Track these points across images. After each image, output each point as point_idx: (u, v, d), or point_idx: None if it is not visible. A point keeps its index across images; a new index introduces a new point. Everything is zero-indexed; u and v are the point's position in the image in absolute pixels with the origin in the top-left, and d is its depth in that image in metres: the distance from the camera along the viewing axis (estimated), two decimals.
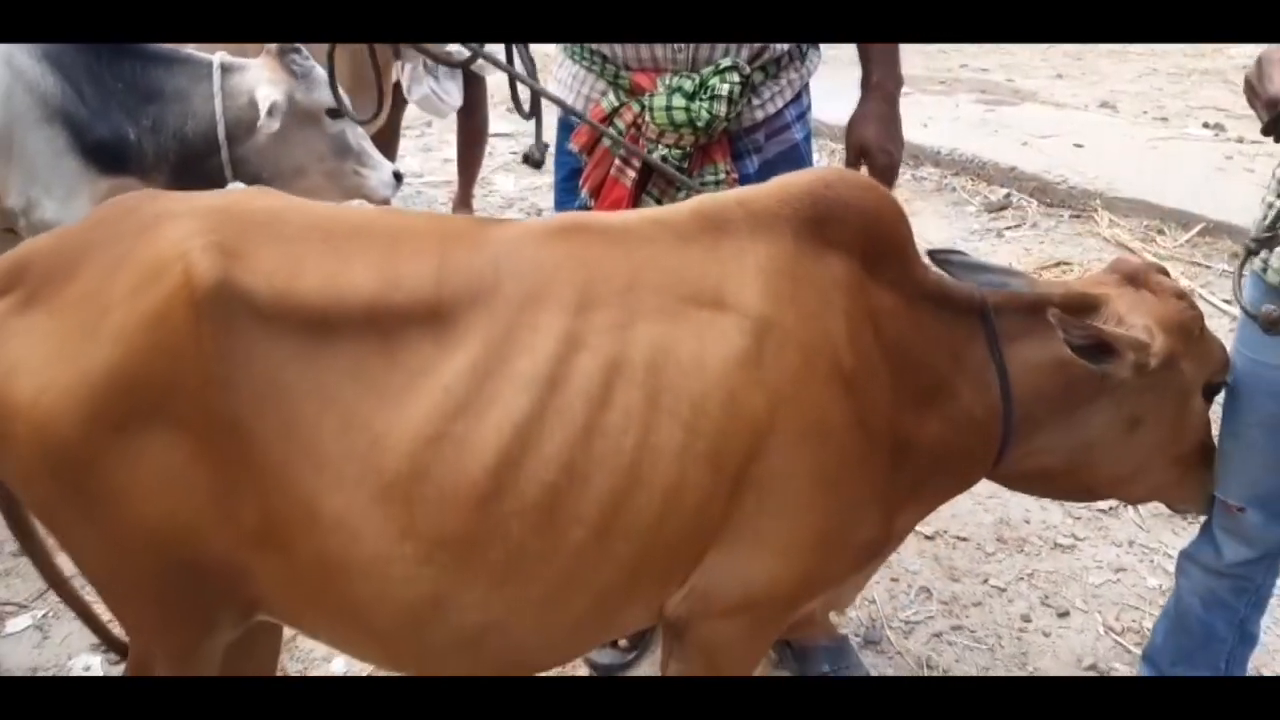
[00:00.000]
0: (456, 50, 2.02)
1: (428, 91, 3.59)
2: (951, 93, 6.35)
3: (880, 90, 2.06)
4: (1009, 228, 4.75)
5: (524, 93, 2.04)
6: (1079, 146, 5.37)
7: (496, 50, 1.99)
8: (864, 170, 2.06)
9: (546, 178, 5.47)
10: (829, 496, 1.46)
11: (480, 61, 1.96)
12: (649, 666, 2.40)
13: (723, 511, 1.40)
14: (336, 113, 2.79)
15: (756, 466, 1.39)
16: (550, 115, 2.18)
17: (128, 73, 2.84)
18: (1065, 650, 2.41)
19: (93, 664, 2.45)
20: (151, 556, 1.34)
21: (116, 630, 1.79)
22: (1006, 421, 1.60)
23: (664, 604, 1.50)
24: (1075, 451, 1.66)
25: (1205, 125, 5.75)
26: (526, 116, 2.08)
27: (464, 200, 4.47)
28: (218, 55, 2.86)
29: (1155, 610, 2.55)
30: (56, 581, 1.72)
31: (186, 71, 2.84)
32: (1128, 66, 7.17)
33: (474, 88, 4.04)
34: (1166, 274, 1.70)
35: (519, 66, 1.97)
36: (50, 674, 2.42)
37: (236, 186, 2.53)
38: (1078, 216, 4.78)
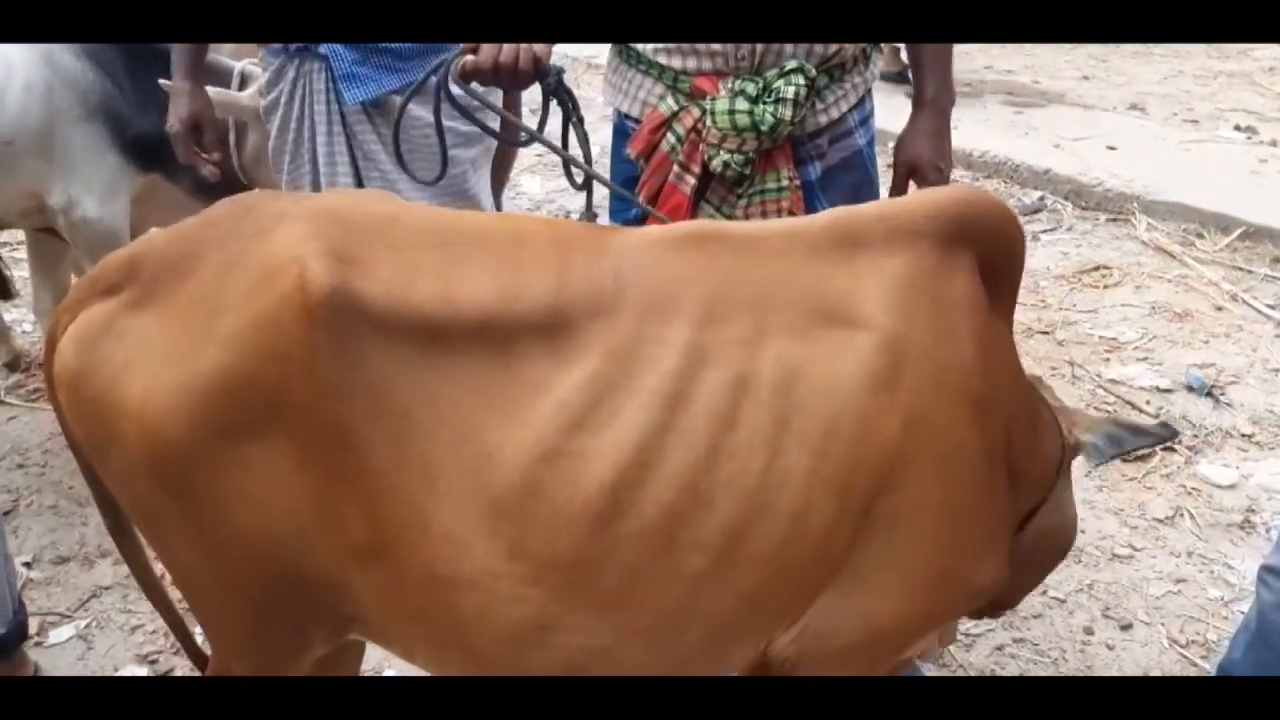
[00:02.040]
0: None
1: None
2: (978, 94, 6.28)
3: (934, 106, 2.03)
4: (1045, 231, 4.70)
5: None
6: (1112, 149, 5.31)
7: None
8: (912, 187, 2.02)
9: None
10: (958, 530, 1.39)
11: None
12: None
13: (848, 543, 1.33)
14: None
15: (887, 496, 1.32)
16: (603, 122, 2.12)
17: (163, 72, 2.82)
18: (1130, 664, 2.36)
19: (138, 674, 2.41)
20: (250, 567, 1.30)
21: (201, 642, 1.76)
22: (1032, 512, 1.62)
23: (770, 645, 1.42)
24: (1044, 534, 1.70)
25: (1237, 128, 5.69)
26: (578, 188, 2.00)
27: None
28: (241, 64, 2.83)
29: (1218, 622, 2.50)
30: (149, 584, 1.67)
31: (212, 76, 2.81)
32: (1153, 68, 7.09)
33: (507, 95, 4.01)
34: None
35: (574, 146, 1.90)
36: None
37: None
38: (1115, 220, 4.72)
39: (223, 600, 1.39)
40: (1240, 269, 4.19)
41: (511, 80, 1.79)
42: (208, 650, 1.64)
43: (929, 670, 2.36)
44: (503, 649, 1.32)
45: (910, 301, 1.33)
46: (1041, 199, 4.95)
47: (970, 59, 7.36)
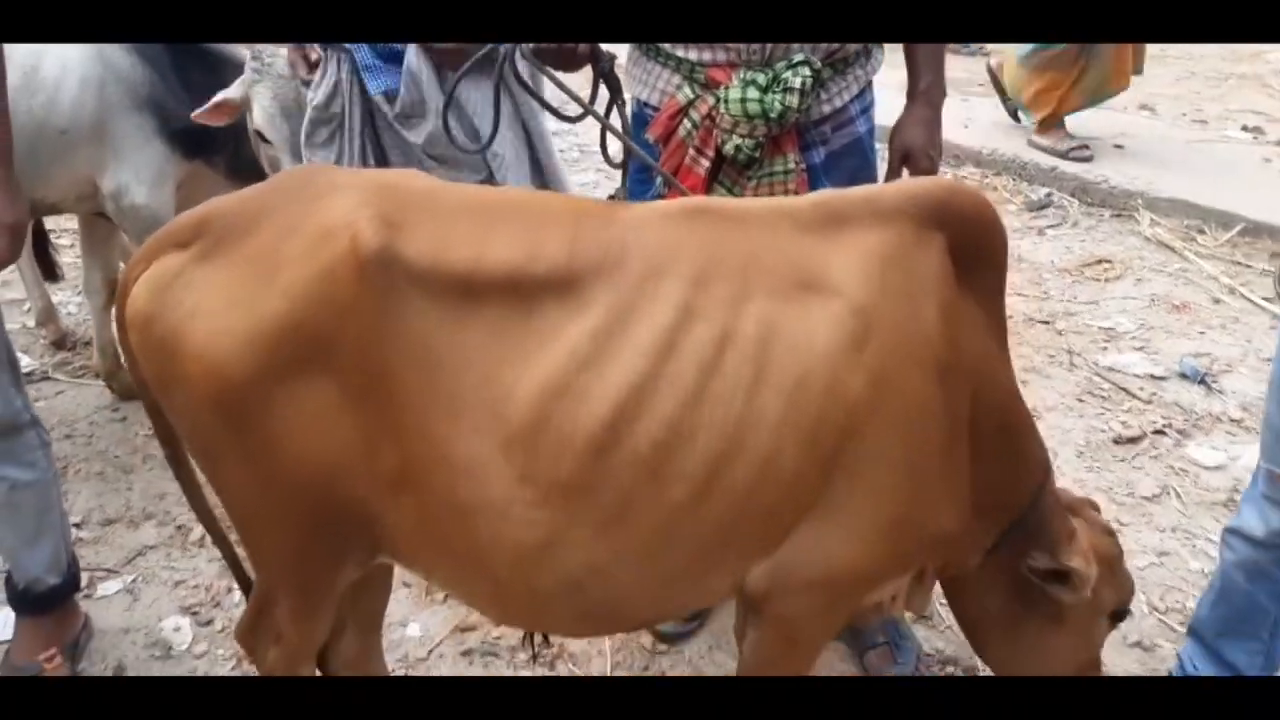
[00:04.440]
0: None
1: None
2: (992, 94, 6.39)
3: (926, 97, 2.17)
4: (1050, 226, 4.82)
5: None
6: (1119, 147, 5.43)
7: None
8: (905, 173, 2.17)
9: (590, 174, 5.62)
10: (915, 482, 1.53)
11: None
12: (707, 636, 2.51)
13: (814, 488, 1.49)
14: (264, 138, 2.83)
15: (851, 447, 1.48)
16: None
17: (205, 68, 2.99)
18: None
19: (182, 625, 2.58)
20: (298, 492, 1.47)
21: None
22: (1018, 521, 1.73)
23: (746, 577, 1.58)
24: (1007, 617, 1.82)
25: (1244, 128, 5.80)
26: (615, 166, 2.19)
27: None
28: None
29: (1197, 592, 2.63)
30: (204, 514, 1.84)
31: (227, 66, 2.97)
32: (1166, 70, 7.19)
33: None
34: (1098, 508, 1.91)
35: (615, 120, 2.10)
36: (140, 634, 2.56)
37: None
38: (1119, 216, 4.84)
39: (270, 525, 1.56)
40: (1239, 263, 4.32)
41: (571, 61, 1.96)
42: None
43: (920, 633, 2.51)
44: (513, 566, 1.48)
45: (883, 274, 1.48)
46: (1049, 195, 5.08)
47: (983, 60, 7.48)
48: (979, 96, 6.46)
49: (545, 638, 2.00)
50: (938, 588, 1.89)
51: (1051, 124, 5.26)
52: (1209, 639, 2.15)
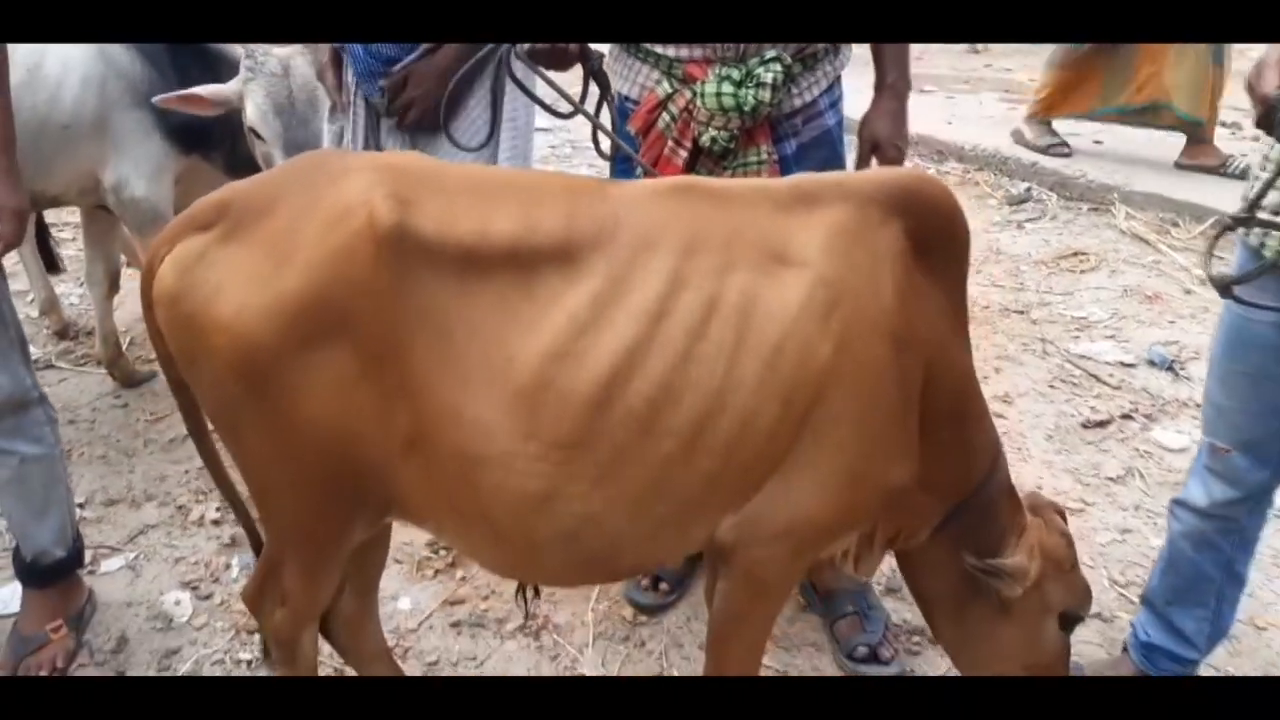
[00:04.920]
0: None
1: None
2: (976, 91, 6.53)
3: (893, 90, 2.29)
4: (1029, 220, 4.94)
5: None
6: (1098, 143, 5.55)
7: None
8: (874, 162, 2.28)
9: (584, 169, 5.72)
10: (870, 440, 1.65)
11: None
12: (685, 608, 2.62)
13: (787, 445, 1.60)
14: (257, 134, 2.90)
15: (819, 407, 1.59)
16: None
17: (203, 65, 3.09)
18: None
19: (182, 599, 2.68)
20: (315, 455, 1.57)
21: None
22: (967, 499, 1.84)
23: (716, 530, 1.69)
24: (955, 599, 1.92)
25: (1222, 124, 5.91)
26: (606, 158, 2.30)
27: None
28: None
29: None
30: (221, 479, 1.93)
31: (225, 65, 3.06)
32: None
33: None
34: (1063, 514, 2.00)
35: (605, 117, 2.22)
36: (142, 607, 2.66)
37: None
38: (1096, 210, 4.96)
39: (287, 487, 1.66)
40: (1217, 257, 4.40)
41: (562, 61, 2.07)
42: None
43: (889, 604, 2.62)
44: (515, 517, 1.59)
45: (848, 251, 1.59)
46: (1028, 190, 5.20)
47: (971, 58, 7.61)
48: (963, 94, 6.59)
49: (536, 592, 2.09)
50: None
51: (1041, 117, 5.35)
52: (1159, 607, 2.26)
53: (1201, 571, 2.17)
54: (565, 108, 2.25)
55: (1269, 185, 1.80)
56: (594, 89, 2.30)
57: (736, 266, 1.57)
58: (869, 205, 1.63)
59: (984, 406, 1.87)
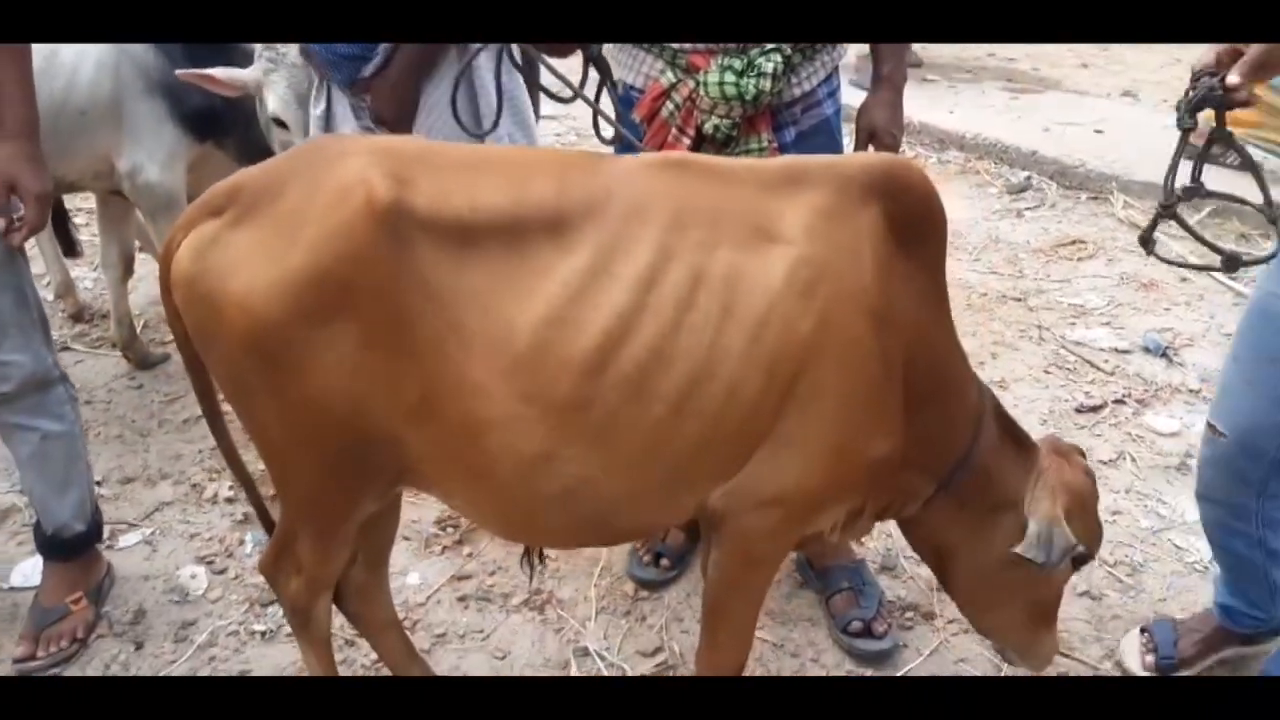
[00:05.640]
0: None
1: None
2: (978, 80, 6.57)
3: (889, 82, 2.35)
4: (1029, 208, 5.00)
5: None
6: (1099, 132, 5.60)
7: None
8: (870, 149, 2.34)
9: None
10: (853, 413, 1.72)
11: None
12: (685, 584, 2.70)
13: (772, 416, 1.67)
14: (281, 123, 2.95)
15: (802, 380, 1.66)
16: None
17: (217, 53, 3.15)
18: None
19: (198, 573, 2.76)
20: (326, 426, 1.65)
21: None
22: (954, 470, 1.90)
23: (708, 499, 1.76)
24: (964, 542, 1.97)
25: None
26: (608, 143, 2.37)
27: None
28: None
29: (1147, 546, 2.83)
30: (233, 459, 2.02)
31: (239, 54, 3.12)
32: (1152, 57, 7.35)
33: (526, 72, 4.31)
34: (1084, 455, 2.04)
35: (606, 103, 2.30)
36: (159, 581, 2.74)
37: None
38: (1095, 198, 5.02)
39: (300, 459, 1.73)
40: (1208, 243, 4.47)
41: (562, 48, 2.13)
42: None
43: (884, 581, 2.70)
44: (518, 478, 1.66)
45: (831, 230, 1.66)
46: (1028, 179, 5.25)
47: (974, 46, 7.64)
48: (965, 83, 6.64)
49: (541, 558, 2.17)
50: (900, 537, 2.04)
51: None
52: (1224, 594, 2.34)
53: (1239, 554, 2.22)
54: (566, 93, 2.32)
55: (1183, 158, 1.99)
56: (593, 75, 2.36)
57: (723, 241, 1.63)
58: (850, 188, 1.69)
59: (966, 378, 1.92)
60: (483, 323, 1.58)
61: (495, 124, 2.40)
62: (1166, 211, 2.10)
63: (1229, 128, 1.99)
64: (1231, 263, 2.06)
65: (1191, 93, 1.95)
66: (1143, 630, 2.45)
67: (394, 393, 1.61)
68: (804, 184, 1.69)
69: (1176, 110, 2.00)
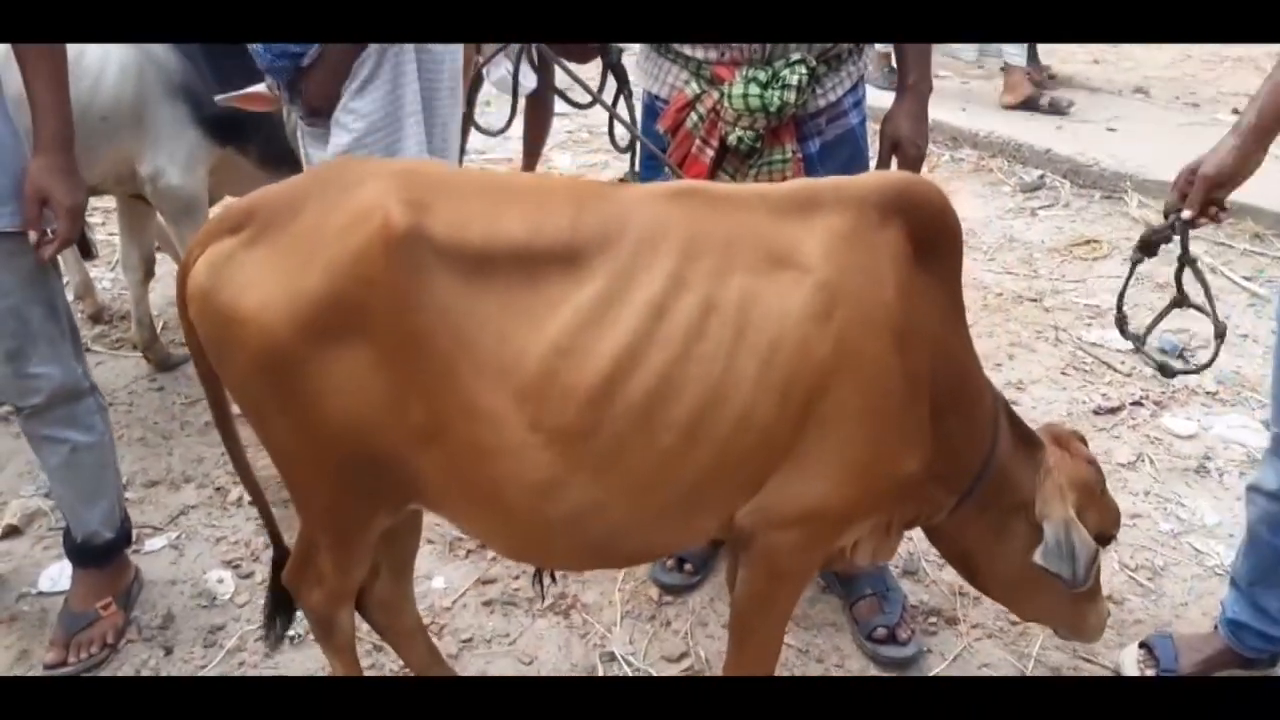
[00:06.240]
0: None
1: (504, 74, 3.86)
2: (991, 78, 6.55)
3: (915, 91, 2.36)
4: (1042, 207, 5.00)
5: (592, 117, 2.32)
6: (1112, 130, 5.59)
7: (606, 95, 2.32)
8: (894, 163, 2.35)
9: (600, 155, 5.77)
10: (878, 432, 1.73)
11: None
12: (709, 589, 2.72)
13: (789, 438, 1.69)
14: None
15: (820, 402, 1.67)
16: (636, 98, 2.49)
17: (238, 57, 3.14)
18: None
19: (225, 577, 2.79)
20: (336, 444, 1.67)
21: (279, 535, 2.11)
22: (977, 478, 1.93)
23: (734, 516, 1.78)
24: (991, 549, 1.99)
25: (1235, 111, 5.94)
26: (621, 150, 2.37)
27: None
28: None
29: (1166, 550, 2.85)
30: (246, 475, 2.04)
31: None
32: (1163, 53, 7.33)
33: (544, 72, 4.32)
34: (1084, 441, 2.07)
35: (622, 109, 2.30)
36: (187, 585, 2.76)
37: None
38: (1109, 197, 5.01)
39: (312, 475, 1.76)
40: (1222, 244, 4.49)
41: (582, 53, 2.13)
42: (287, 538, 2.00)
43: (907, 586, 2.71)
44: (526, 504, 1.68)
45: (847, 252, 1.68)
46: (1041, 177, 5.25)
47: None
48: (979, 79, 6.62)
49: (553, 577, 2.19)
50: (921, 540, 2.06)
51: None
52: (1244, 586, 2.34)
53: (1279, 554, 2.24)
54: (585, 98, 2.33)
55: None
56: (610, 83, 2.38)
57: (735, 268, 1.65)
58: (866, 208, 1.71)
59: (982, 385, 1.95)
60: (494, 350, 1.60)
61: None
62: (1124, 334, 2.40)
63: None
64: (1165, 370, 2.36)
65: (1154, 229, 2.18)
66: (1142, 645, 2.46)
67: (402, 415, 1.63)
68: (817, 208, 1.71)
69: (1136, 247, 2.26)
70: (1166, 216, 2.11)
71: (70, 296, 4.06)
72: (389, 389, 1.62)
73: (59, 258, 3.99)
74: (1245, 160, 1.99)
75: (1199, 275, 2.16)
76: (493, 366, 1.60)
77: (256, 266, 1.61)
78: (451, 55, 2.46)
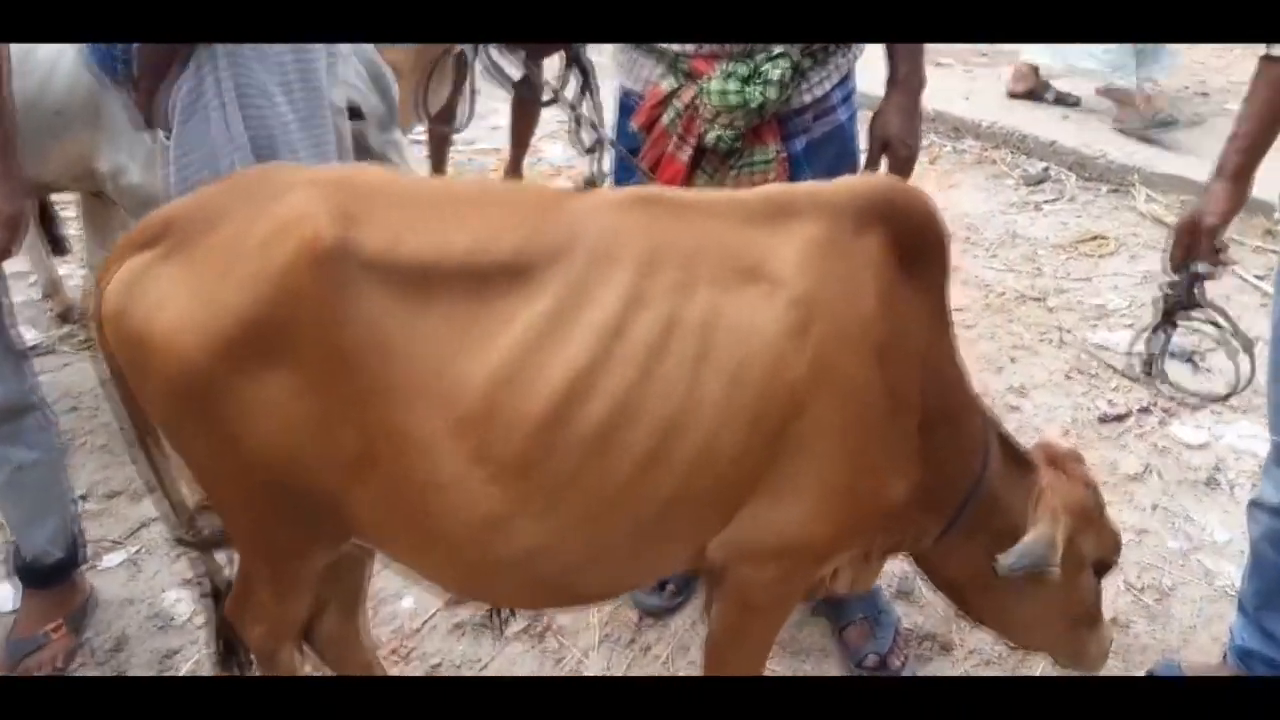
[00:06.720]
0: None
1: (489, 63, 3.72)
2: (994, 66, 6.38)
3: (905, 86, 2.20)
4: (1047, 201, 4.84)
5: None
6: (1119, 122, 5.42)
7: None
8: (884, 164, 2.20)
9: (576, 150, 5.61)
10: (860, 456, 1.60)
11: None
12: (692, 611, 2.58)
13: (759, 465, 1.55)
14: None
15: (796, 426, 1.54)
16: (609, 93, 2.34)
17: None
18: None
19: (182, 597, 2.67)
20: (260, 475, 1.53)
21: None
22: (964, 503, 1.79)
23: (705, 549, 1.65)
24: (982, 576, 1.84)
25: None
26: (586, 151, 2.23)
27: (515, 168, 4.61)
28: None
29: (1175, 570, 2.71)
30: (167, 493, 1.91)
31: None
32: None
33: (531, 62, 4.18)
34: (1082, 461, 1.94)
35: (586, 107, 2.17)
36: (143, 605, 2.64)
37: None
38: (1115, 191, 4.86)
39: (238, 507, 1.64)
40: (1232, 239, 4.30)
41: (540, 48, 1.99)
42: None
43: (900, 609, 2.58)
44: (468, 540, 1.54)
45: (823, 264, 1.54)
46: (1046, 170, 5.09)
47: None
48: (982, 68, 6.45)
49: (512, 612, 2.07)
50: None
51: None
52: (1250, 611, 2.21)
53: None
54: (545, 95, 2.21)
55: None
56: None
57: (699, 282, 1.51)
58: (843, 217, 1.58)
59: (972, 402, 1.82)
60: (432, 375, 1.46)
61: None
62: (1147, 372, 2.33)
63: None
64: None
65: (1169, 292, 2.10)
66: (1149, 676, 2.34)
67: (332, 445, 1.50)
68: (791, 216, 1.57)
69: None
70: (1175, 270, 2.06)
71: (38, 295, 3.96)
72: (316, 416, 1.48)
73: (23, 255, 3.91)
74: (1241, 200, 1.99)
75: (1227, 319, 2.11)
76: (431, 392, 1.46)
77: (170, 284, 1.48)
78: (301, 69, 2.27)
